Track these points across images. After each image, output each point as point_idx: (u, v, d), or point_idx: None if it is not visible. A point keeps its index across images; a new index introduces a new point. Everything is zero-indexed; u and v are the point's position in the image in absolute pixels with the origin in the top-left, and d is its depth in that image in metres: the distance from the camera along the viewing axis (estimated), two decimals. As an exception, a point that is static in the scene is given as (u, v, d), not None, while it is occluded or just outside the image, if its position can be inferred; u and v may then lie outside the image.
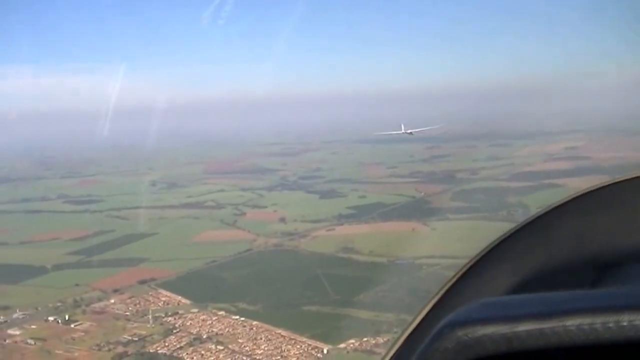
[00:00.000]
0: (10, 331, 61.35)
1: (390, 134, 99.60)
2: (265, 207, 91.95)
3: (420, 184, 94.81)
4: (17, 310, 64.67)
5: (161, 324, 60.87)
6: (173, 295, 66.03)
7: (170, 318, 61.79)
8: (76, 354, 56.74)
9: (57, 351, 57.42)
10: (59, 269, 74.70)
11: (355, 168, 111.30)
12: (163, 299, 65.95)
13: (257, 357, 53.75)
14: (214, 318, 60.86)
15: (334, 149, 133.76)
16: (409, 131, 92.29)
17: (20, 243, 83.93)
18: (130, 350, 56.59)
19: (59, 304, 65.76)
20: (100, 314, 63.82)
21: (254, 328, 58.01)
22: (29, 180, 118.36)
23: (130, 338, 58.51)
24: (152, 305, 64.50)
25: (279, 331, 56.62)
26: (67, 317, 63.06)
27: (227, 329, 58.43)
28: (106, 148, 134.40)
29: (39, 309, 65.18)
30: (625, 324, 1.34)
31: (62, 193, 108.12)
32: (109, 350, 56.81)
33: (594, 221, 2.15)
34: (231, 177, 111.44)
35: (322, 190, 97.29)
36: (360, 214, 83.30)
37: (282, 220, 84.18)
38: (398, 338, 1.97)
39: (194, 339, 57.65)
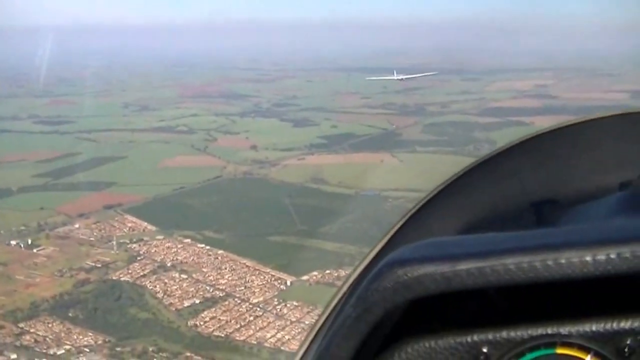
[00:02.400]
0: (-30, 254, 60.56)
1: (382, 79, 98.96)
2: (238, 133, 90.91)
3: (393, 116, 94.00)
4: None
5: (125, 250, 60.23)
6: (139, 222, 65.28)
7: (135, 245, 61.16)
8: (37, 280, 56.12)
9: (17, 276, 56.74)
10: (24, 192, 73.68)
11: (330, 97, 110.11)
12: (129, 224, 65.22)
13: (221, 287, 53.39)
14: (179, 246, 60.30)
15: (310, 77, 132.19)
16: (400, 77, 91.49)
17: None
18: (93, 277, 56.02)
19: (22, 228, 64.88)
20: (64, 239, 63.06)
21: (219, 257, 57.54)
22: (0, 98, 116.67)
23: (93, 264, 57.90)
24: (117, 231, 63.79)
25: (244, 261, 56.19)
26: (30, 242, 62.30)
27: (192, 258, 57.93)
28: (79, 68, 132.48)
29: (2, 232, 64.37)
30: (563, 261, 1.36)
31: (33, 113, 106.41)
32: (71, 276, 56.20)
33: (547, 162, 2.14)
34: (204, 101, 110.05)
35: (295, 119, 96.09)
36: (331, 143, 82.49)
37: (254, 147, 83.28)
38: (346, 280, 1.87)
39: (158, 267, 57.13)
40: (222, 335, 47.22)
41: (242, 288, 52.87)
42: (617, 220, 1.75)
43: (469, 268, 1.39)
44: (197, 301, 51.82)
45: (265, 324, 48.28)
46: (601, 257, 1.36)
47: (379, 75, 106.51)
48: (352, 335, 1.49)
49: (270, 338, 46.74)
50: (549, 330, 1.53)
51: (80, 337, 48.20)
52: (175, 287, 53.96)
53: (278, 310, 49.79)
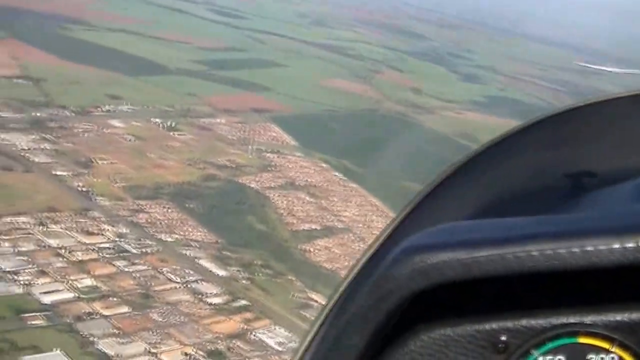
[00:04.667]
0: (113, 121, 60.91)
1: (595, 68, 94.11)
2: (403, 72, 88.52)
3: (566, 95, 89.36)
4: (126, 103, 63.98)
5: (260, 157, 59.15)
6: (282, 133, 64.12)
7: (271, 154, 60.06)
8: (168, 163, 55.84)
9: (150, 154, 56.74)
10: (179, 74, 73.97)
11: (505, 60, 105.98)
12: (271, 133, 64.14)
13: (343, 219, 51.79)
14: (314, 168, 58.81)
15: (492, 36, 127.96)
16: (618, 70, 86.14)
17: (152, 37, 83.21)
18: (221, 174, 55.28)
19: (167, 109, 64.91)
20: (204, 130, 62.63)
21: (350, 190, 55.82)
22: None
23: (225, 163, 57.16)
24: (258, 136, 62.77)
25: (373, 200, 54.25)
26: (171, 124, 61.95)
27: (323, 183, 56.41)
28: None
29: (148, 107, 64.39)
30: (589, 249, 1.35)
31: (209, 0, 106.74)
32: (201, 168, 55.64)
33: (565, 142, 2.05)
34: (380, 32, 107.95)
35: (465, 73, 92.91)
36: (494, 105, 78.91)
37: (416, 90, 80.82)
38: (355, 264, 1.79)
39: (288, 183, 55.93)
40: (329, 268, 45.52)
41: (362, 226, 50.97)
42: None
43: (490, 255, 1.36)
44: (316, 227, 50.24)
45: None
46: (630, 245, 1.34)
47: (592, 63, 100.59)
48: (366, 324, 1.45)
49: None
50: (572, 319, 1.47)
51: (192, 230, 47.57)
52: (298, 208, 52.63)
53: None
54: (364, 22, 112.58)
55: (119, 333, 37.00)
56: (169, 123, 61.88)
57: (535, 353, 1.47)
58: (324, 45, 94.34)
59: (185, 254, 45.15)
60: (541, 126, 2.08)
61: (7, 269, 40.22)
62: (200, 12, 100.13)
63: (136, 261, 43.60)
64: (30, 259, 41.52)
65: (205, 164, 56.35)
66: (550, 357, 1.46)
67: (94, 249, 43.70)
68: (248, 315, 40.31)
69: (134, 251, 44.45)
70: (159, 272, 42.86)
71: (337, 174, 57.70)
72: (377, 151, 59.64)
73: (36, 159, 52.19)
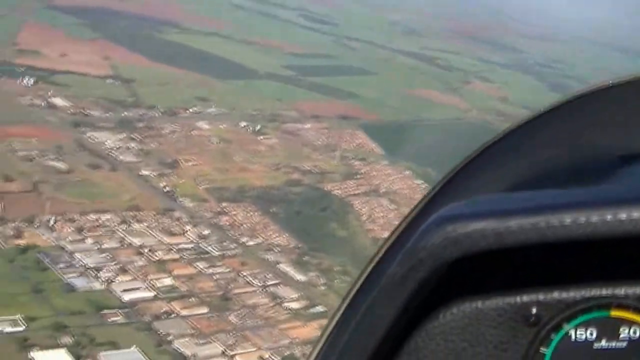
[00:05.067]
0: (200, 123, 61.41)
1: None
2: (493, 82, 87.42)
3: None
4: (213, 106, 64.48)
5: (346, 164, 58.89)
6: (368, 140, 63.72)
7: (357, 162, 59.85)
8: (253, 166, 56.00)
9: (235, 157, 57.08)
10: (268, 78, 74.18)
11: (597, 73, 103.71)
12: (357, 140, 63.89)
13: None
14: (398, 175, 58.27)
15: (583, 48, 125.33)
16: None
17: (243, 41, 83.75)
18: (306, 180, 55.21)
19: (255, 112, 65.14)
20: (291, 135, 62.67)
21: (433, 198, 55.10)
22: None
23: (310, 168, 57.10)
24: (345, 143, 62.56)
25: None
26: (258, 128, 62.21)
27: (406, 191, 55.80)
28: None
29: (235, 110, 64.72)
30: (623, 217, 1.33)
31: (301, 5, 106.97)
32: (286, 173, 55.67)
33: (595, 121, 1.96)
34: (472, 42, 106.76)
35: (553, 83, 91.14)
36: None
37: (503, 99, 79.74)
38: (389, 236, 1.78)
39: (372, 190, 55.60)
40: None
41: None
42: None
43: (523, 223, 1.34)
44: (397, 235, 49.75)
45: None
46: None
47: None
48: (397, 294, 1.44)
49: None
50: (604, 292, 1.45)
51: (274, 235, 47.61)
52: (380, 215, 52.26)
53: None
54: (456, 33, 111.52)
55: (195, 333, 37.23)
56: (255, 127, 61.97)
57: (566, 326, 1.45)
58: (413, 54, 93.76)
59: (266, 258, 45.18)
60: (579, 102, 1.98)
61: (90, 265, 40.86)
62: (292, 17, 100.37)
63: (217, 263, 43.85)
64: (112, 257, 42.15)
65: (290, 168, 56.33)
66: (582, 331, 1.44)
67: (175, 249, 44.10)
68: (325, 321, 39.94)
69: (215, 253, 44.70)
70: (238, 274, 42.96)
71: (419, 181, 57.00)
72: (460, 159, 58.91)
73: (123, 158, 52.97)
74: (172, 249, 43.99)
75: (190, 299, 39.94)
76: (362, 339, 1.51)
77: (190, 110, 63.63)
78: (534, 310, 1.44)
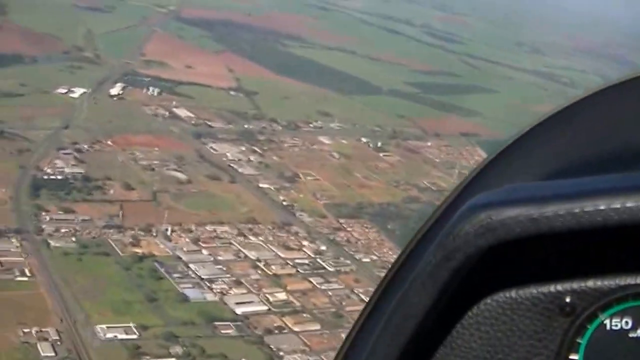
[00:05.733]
0: (321, 138, 61.33)
1: None
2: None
3: None
4: (336, 121, 64.30)
5: (464, 182, 57.80)
6: (487, 158, 62.56)
7: (475, 179, 58.56)
8: (372, 183, 55.56)
9: (356, 173, 56.83)
10: (392, 94, 73.70)
11: None
12: (476, 157, 62.62)
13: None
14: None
15: None
16: None
17: (367, 57, 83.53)
18: (424, 197, 54.45)
19: (376, 129, 64.76)
20: (412, 152, 62.14)
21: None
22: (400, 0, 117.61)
23: (428, 185, 56.52)
24: (464, 160, 61.53)
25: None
26: (379, 144, 61.87)
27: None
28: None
29: (357, 126, 64.45)
30: None
31: (427, 23, 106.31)
32: (404, 190, 55.04)
33: (628, 111, 1.90)
34: (597, 60, 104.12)
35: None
36: None
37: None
38: (424, 225, 1.77)
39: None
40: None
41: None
42: None
43: (558, 210, 1.33)
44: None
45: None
46: None
47: None
48: (431, 282, 1.43)
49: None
50: (639, 280, 1.42)
51: (389, 252, 46.80)
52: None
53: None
54: (583, 51, 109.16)
55: (307, 350, 36.75)
56: (377, 143, 61.58)
57: (601, 316, 1.42)
58: (537, 72, 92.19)
59: (380, 276, 44.34)
60: (611, 92, 1.91)
61: (204, 277, 40.94)
62: (417, 34, 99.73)
63: (331, 279, 43.41)
64: (227, 269, 42.14)
65: (408, 185, 55.80)
66: (617, 320, 1.41)
67: (291, 264, 43.81)
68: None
69: (330, 269, 44.33)
70: (352, 291, 42.40)
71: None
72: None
73: (242, 170, 53.11)
74: (287, 264, 43.77)
75: (303, 315, 39.57)
76: (395, 329, 1.48)
77: (312, 124, 63.62)
78: (568, 300, 1.42)
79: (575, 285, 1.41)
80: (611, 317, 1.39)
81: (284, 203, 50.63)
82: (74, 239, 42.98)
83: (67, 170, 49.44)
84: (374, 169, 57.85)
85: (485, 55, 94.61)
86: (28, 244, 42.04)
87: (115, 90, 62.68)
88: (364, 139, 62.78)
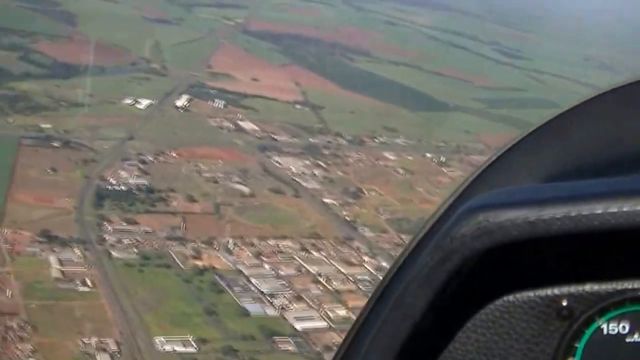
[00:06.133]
0: (386, 153, 61.04)
1: None
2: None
3: None
4: (401, 136, 63.90)
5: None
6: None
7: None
8: (435, 198, 54.85)
9: (418, 188, 56.53)
10: (458, 110, 73.09)
11: None
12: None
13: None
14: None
15: None
16: None
17: (433, 72, 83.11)
18: (484, 213, 53.68)
19: (441, 144, 64.40)
20: (474, 167, 61.05)
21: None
22: (467, 16, 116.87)
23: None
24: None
25: None
26: (443, 159, 61.34)
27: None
28: (547, 6, 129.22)
29: (422, 142, 63.99)
30: None
31: (495, 39, 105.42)
32: (465, 206, 54.33)
33: (626, 116, 1.93)
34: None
35: None
36: None
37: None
38: (423, 226, 1.83)
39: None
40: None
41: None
42: None
43: (555, 212, 1.34)
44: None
45: None
46: None
47: None
48: (428, 284, 1.45)
49: None
50: (636, 285, 1.44)
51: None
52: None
53: None
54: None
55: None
56: (441, 159, 61.13)
57: (599, 320, 1.44)
58: (601, 87, 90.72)
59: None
60: (619, 93, 1.95)
61: (265, 291, 40.75)
62: (485, 51, 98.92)
63: (391, 296, 42.81)
64: (288, 284, 41.89)
65: (469, 202, 55.01)
66: (614, 325, 1.43)
67: (352, 280, 43.42)
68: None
69: (391, 286, 43.70)
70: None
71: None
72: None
73: (306, 185, 52.90)
74: (349, 279, 43.40)
75: (363, 332, 39.12)
76: (392, 330, 1.49)
77: (377, 139, 63.27)
78: (565, 303, 1.43)
79: (573, 289, 1.42)
80: (608, 321, 1.41)
81: (347, 218, 50.34)
82: (136, 250, 43.03)
83: (130, 181, 49.63)
84: (437, 184, 57.26)
85: (551, 70, 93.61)
86: (90, 254, 42.27)
87: (181, 102, 63.04)
88: (428, 154, 62.35)
